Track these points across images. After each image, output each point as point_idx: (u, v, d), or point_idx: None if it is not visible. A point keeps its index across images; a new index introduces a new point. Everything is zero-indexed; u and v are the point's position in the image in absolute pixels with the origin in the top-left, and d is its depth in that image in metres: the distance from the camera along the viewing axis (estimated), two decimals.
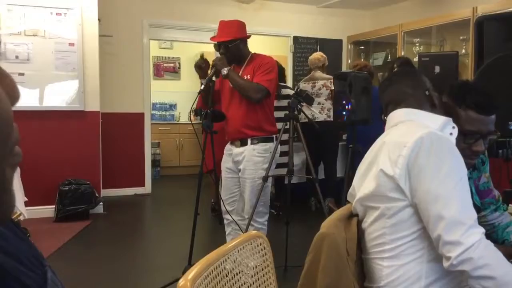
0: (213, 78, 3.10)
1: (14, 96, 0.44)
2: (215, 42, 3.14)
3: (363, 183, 1.42)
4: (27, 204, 4.22)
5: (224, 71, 2.97)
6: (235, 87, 3.03)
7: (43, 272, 0.53)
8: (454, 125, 1.41)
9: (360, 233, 1.45)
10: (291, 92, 5.00)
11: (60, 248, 4.00)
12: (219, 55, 3.16)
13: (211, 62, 3.18)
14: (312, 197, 5.44)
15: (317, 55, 5.39)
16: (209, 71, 3.12)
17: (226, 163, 3.25)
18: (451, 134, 1.40)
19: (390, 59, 6.72)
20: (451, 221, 1.20)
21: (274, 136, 3.18)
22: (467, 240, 1.17)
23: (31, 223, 4.26)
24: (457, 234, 1.18)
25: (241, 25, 3.14)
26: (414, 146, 1.29)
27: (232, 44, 3.05)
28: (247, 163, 3.10)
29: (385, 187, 1.33)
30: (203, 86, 3.07)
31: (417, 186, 1.28)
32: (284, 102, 4.79)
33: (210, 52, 5.09)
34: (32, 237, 3.75)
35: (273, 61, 3.13)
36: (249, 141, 3.10)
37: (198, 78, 3.33)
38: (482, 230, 1.21)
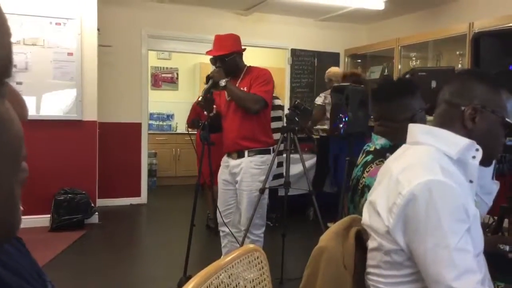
0: (211, 90, 3.11)
1: (23, 115, 0.44)
2: (211, 56, 3.15)
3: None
4: (22, 213, 4.18)
5: (222, 82, 2.98)
6: (233, 98, 3.03)
7: (44, 287, 0.53)
8: (478, 147, 1.26)
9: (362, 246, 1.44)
10: (279, 102, 5.07)
11: (55, 258, 3.97)
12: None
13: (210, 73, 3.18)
14: (311, 208, 5.44)
15: (338, 69, 5.57)
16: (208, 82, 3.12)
17: (222, 175, 3.24)
18: (474, 157, 1.26)
19: (386, 72, 6.77)
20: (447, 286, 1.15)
21: (271, 148, 3.19)
22: None
23: (26, 232, 4.20)
24: None
25: (236, 39, 3.16)
26: (410, 198, 1.19)
27: (229, 57, 3.06)
28: (244, 175, 3.10)
29: (380, 227, 1.29)
30: (201, 98, 3.08)
31: (414, 244, 1.21)
32: (276, 113, 4.86)
33: (208, 63, 5.12)
34: (27, 247, 3.73)
35: (269, 73, 3.16)
36: (246, 153, 3.10)
37: (197, 89, 3.35)
38: (476, 279, 1.15)
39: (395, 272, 1.29)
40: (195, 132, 5.23)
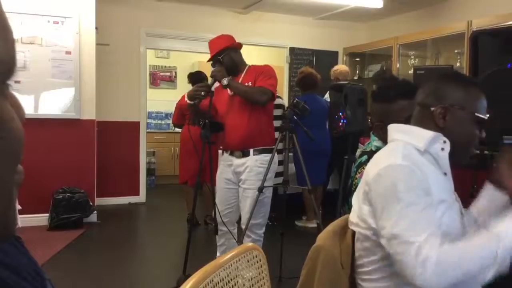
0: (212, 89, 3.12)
1: (21, 117, 0.44)
2: (210, 62, 3.21)
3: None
4: (20, 212, 4.19)
5: (225, 81, 2.98)
6: (240, 94, 3.01)
7: (43, 286, 0.53)
8: (445, 139, 1.33)
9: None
10: (281, 101, 5.08)
11: (53, 257, 3.97)
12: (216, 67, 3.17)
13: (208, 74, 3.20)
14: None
15: (346, 68, 5.57)
16: (209, 81, 3.12)
17: (225, 174, 3.20)
18: (442, 149, 1.33)
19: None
20: (407, 262, 1.16)
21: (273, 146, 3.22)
22: (420, 268, 1.13)
23: (25, 231, 4.23)
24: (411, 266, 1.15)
25: (227, 37, 3.19)
26: (372, 183, 1.30)
27: (223, 55, 3.08)
28: (249, 173, 3.09)
29: (354, 217, 1.39)
30: (192, 101, 3.08)
31: (380, 225, 1.27)
32: (277, 112, 4.88)
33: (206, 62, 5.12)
34: (25, 246, 3.73)
35: (272, 69, 3.16)
36: (251, 151, 3.09)
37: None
38: (433, 246, 1.14)
39: (371, 258, 1.34)
40: (180, 131, 5.27)
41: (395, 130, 1.44)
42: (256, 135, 3.08)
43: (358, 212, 1.36)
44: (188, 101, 3.10)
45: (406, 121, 1.48)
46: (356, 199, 1.39)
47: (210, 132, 3.03)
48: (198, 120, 3.08)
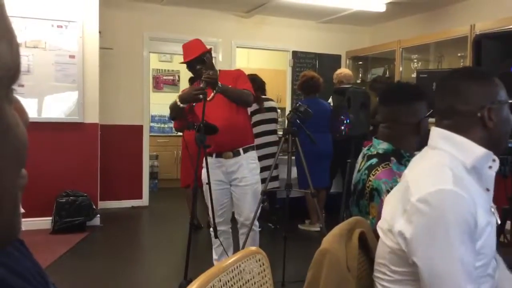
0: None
1: (24, 121, 0.45)
2: (185, 64, 3.23)
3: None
4: (23, 215, 4.16)
5: (220, 88, 3.00)
6: (232, 96, 3.08)
7: None
8: (495, 157, 1.28)
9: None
10: (273, 104, 5.09)
11: (56, 260, 3.97)
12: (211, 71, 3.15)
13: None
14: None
15: (349, 71, 5.61)
16: (202, 85, 3.09)
17: (215, 176, 3.19)
18: (490, 167, 1.29)
19: (388, 74, 6.77)
20: None
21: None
22: None
23: (28, 235, 4.23)
24: None
25: (201, 41, 3.32)
26: (419, 207, 1.21)
27: (205, 56, 3.16)
28: (245, 170, 3.16)
29: (385, 226, 1.34)
30: (187, 103, 3.09)
31: (414, 251, 1.22)
32: (270, 115, 4.91)
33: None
34: (29, 249, 3.73)
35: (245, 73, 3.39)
36: (241, 150, 3.17)
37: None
38: None
39: (397, 268, 1.31)
40: (181, 134, 5.24)
41: (440, 136, 1.35)
42: (243, 135, 3.20)
43: (390, 222, 1.30)
44: (181, 105, 3.13)
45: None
46: (390, 210, 1.33)
47: (205, 135, 3.00)
48: (193, 124, 3.09)
